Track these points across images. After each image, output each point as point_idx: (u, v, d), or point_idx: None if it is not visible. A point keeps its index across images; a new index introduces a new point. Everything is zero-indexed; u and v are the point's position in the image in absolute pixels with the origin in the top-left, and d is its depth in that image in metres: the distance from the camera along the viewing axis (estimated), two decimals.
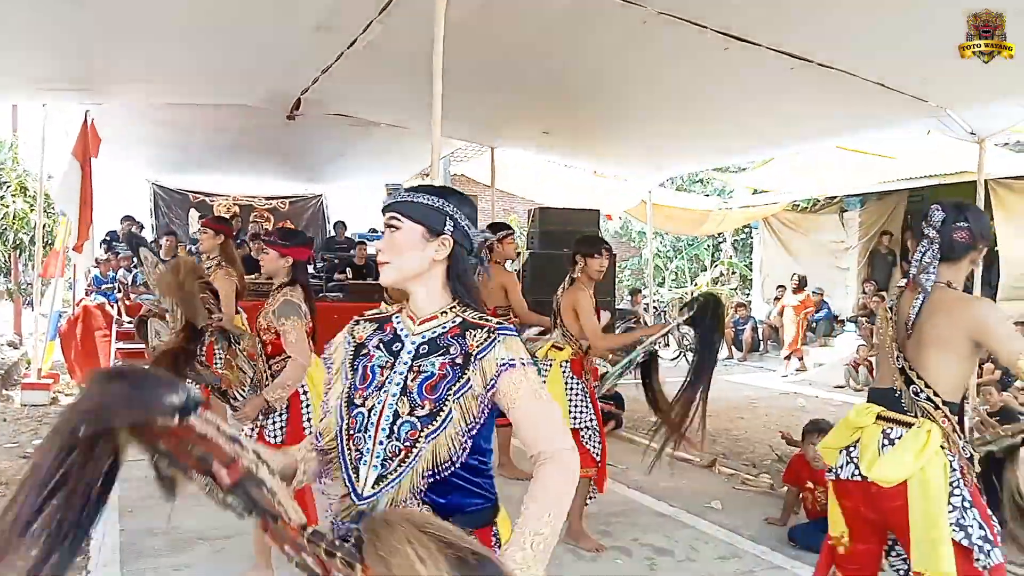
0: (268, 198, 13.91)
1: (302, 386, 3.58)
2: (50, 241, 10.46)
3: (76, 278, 10.37)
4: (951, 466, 2.28)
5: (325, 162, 11.76)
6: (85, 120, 7.95)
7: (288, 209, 13.97)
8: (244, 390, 3.68)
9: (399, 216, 1.64)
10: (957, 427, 2.32)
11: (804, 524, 4.48)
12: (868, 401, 2.51)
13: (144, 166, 12.27)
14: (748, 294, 16.36)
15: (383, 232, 1.69)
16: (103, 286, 9.88)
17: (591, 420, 4.25)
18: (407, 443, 1.52)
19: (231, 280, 4.79)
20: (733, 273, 17.71)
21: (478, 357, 1.54)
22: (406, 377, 1.57)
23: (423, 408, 1.53)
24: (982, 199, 6.10)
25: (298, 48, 5.85)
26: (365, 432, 1.56)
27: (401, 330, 1.65)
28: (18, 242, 10.51)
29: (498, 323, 1.61)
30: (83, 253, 8.75)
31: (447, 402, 1.53)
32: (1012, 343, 2.20)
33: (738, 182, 13.36)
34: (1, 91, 7.67)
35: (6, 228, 10.26)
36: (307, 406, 3.57)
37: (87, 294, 9.84)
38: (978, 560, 2.20)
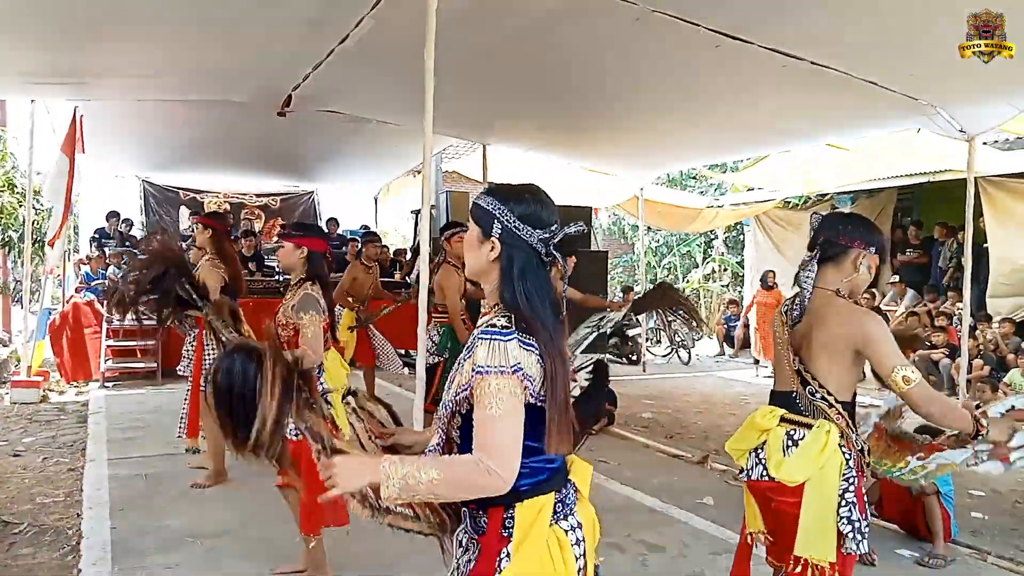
0: (259, 195, 13.87)
1: (323, 383, 3.57)
2: (39, 238, 10.39)
3: (65, 276, 10.32)
4: (847, 464, 2.45)
5: (317, 159, 11.73)
6: (74, 117, 7.90)
7: (279, 206, 13.93)
8: None
9: (470, 215, 1.77)
10: (850, 422, 2.50)
11: None
12: (770, 404, 2.65)
13: (134, 163, 12.22)
14: (740, 291, 16.42)
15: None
16: (93, 283, 9.84)
17: None
18: (442, 428, 1.76)
19: (216, 272, 4.77)
20: (725, 270, 17.77)
21: (464, 359, 1.66)
22: (454, 369, 1.74)
23: (446, 399, 1.73)
24: (972, 197, 6.14)
25: (289, 44, 5.83)
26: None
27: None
28: (7, 239, 10.42)
29: (491, 325, 1.64)
30: (55, 249, 8.69)
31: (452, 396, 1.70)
32: (891, 359, 2.37)
33: (731, 180, 13.39)
34: None
35: None
36: (324, 398, 3.56)
37: (77, 291, 9.79)
38: (847, 548, 2.41)
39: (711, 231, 16.92)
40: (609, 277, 14.35)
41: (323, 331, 3.55)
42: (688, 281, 17.87)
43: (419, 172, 11.29)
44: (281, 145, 10.24)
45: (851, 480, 2.44)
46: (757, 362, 11.57)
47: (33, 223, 8.82)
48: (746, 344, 13.51)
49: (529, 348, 1.61)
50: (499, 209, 1.69)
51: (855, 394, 2.57)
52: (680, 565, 4.07)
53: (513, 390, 1.58)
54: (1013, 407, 2.68)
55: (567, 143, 8.97)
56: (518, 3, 4.92)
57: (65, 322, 8.98)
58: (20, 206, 9.70)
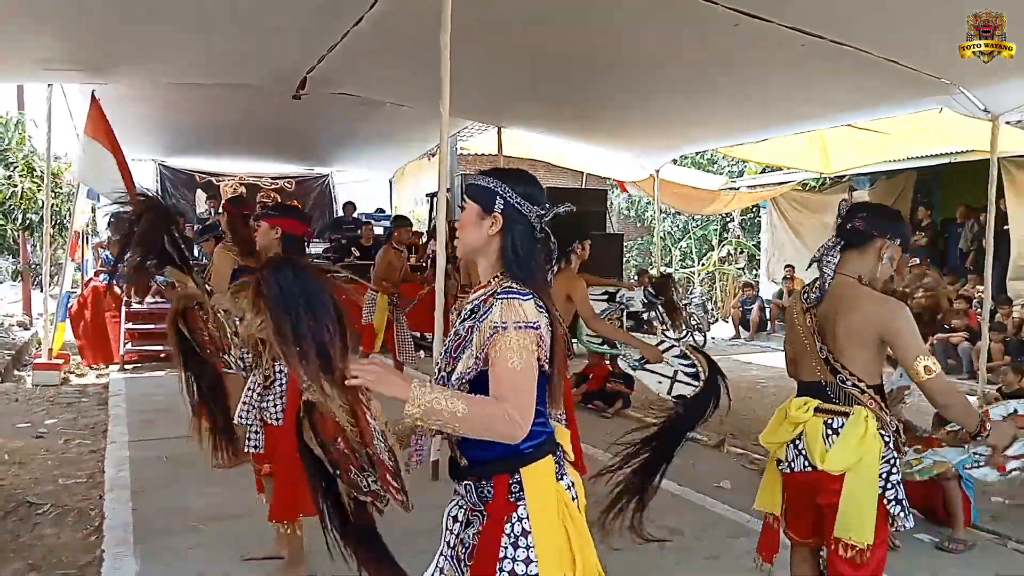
0: (274, 178, 13.91)
1: None
2: (58, 221, 10.47)
3: (84, 259, 10.39)
4: (887, 447, 2.51)
5: (332, 142, 11.73)
6: (93, 99, 7.85)
7: (295, 189, 13.97)
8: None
9: (465, 197, 1.87)
10: (883, 404, 2.55)
11: None
12: (799, 395, 2.67)
13: (151, 147, 12.25)
14: (756, 274, 16.32)
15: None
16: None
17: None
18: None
19: (227, 255, 4.60)
20: (741, 252, 17.65)
21: (481, 319, 1.73)
22: (451, 339, 1.82)
23: (449, 365, 1.79)
24: (995, 177, 6.05)
25: (304, 27, 5.81)
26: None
27: (469, 298, 1.86)
28: (27, 222, 10.52)
29: (507, 287, 1.74)
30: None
31: (459, 361, 1.76)
32: (913, 348, 2.43)
33: (747, 155, 13.19)
34: (7, 72, 7.64)
35: (14, 208, 10.26)
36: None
37: (96, 275, 9.87)
38: (899, 525, 2.52)
39: (727, 214, 16.80)
40: (624, 260, 14.27)
41: None
42: (703, 264, 17.77)
43: (434, 155, 11.27)
44: (296, 128, 10.24)
45: (892, 462, 2.51)
46: None
47: (52, 207, 8.87)
48: (762, 327, 13.46)
49: (541, 310, 1.74)
50: (500, 187, 1.81)
51: (882, 377, 2.60)
52: (697, 548, 4.07)
53: (531, 346, 1.68)
54: (1016, 411, 2.69)
55: (583, 126, 8.91)
56: None
57: (84, 306, 9.06)
58: (39, 190, 9.77)
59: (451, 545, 1.83)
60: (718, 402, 3.31)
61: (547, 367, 1.76)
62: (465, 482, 1.80)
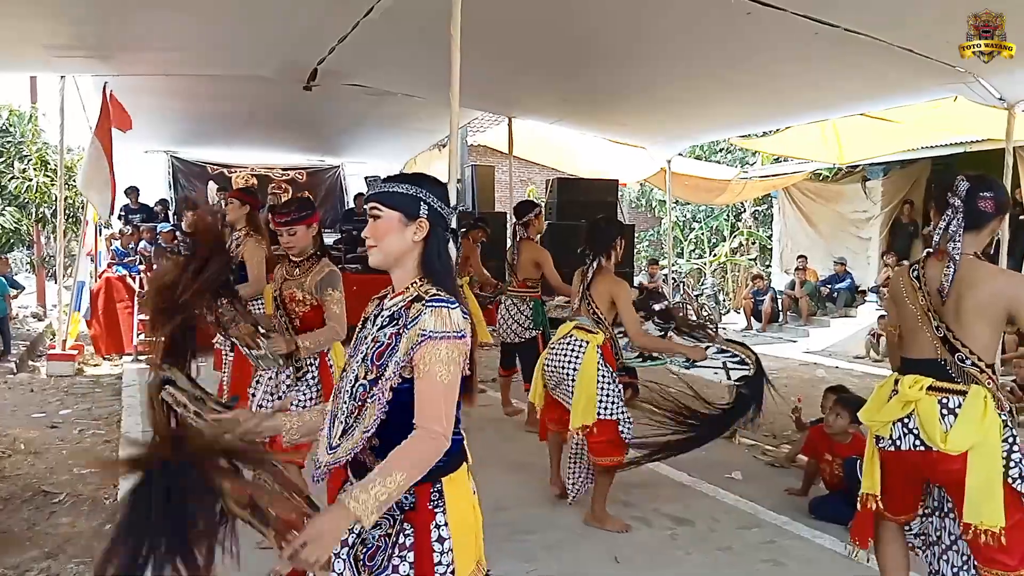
0: (285, 169, 13.91)
1: (330, 360, 3.59)
2: (71, 214, 10.54)
3: (97, 251, 10.46)
4: (1005, 425, 2.48)
5: (342, 133, 11.72)
6: (104, 92, 7.89)
7: (306, 180, 13.96)
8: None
9: (379, 205, 1.82)
10: (997, 383, 2.53)
11: (824, 496, 4.47)
12: (905, 372, 2.63)
13: (163, 139, 12.28)
14: (768, 264, 16.24)
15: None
16: (125, 259, 9.97)
17: (623, 410, 4.10)
18: (359, 402, 1.77)
19: (261, 248, 4.58)
20: (753, 243, 17.57)
21: (408, 326, 1.72)
22: (368, 345, 1.80)
23: (372, 373, 1.76)
24: (1010, 166, 5.98)
25: (314, 17, 5.80)
26: (342, 393, 1.82)
27: (385, 304, 1.86)
28: (40, 215, 10.59)
29: (435, 295, 1.73)
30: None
31: (386, 368, 1.73)
32: None
33: (759, 146, 13.10)
34: (18, 60, 7.65)
35: (29, 201, 10.32)
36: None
37: (109, 267, 9.93)
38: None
39: (740, 203, 16.71)
40: (635, 251, 14.24)
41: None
42: (715, 255, 17.70)
43: (445, 146, 11.25)
44: (307, 119, 10.24)
45: (1011, 440, 2.47)
46: None
47: (66, 199, 8.92)
48: (774, 318, 13.40)
49: (466, 317, 1.75)
50: (422, 192, 1.81)
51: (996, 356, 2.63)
52: (709, 539, 4.07)
53: (459, 358, 1.70)
54: None
55: (593, 115, 8.87)
56: None
57: (98, 297, 9.12)
58: (53, 184, 9.83)
59: (350, 544, 1.80)
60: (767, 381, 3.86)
61: (468, 372, 1.78)
62: None
